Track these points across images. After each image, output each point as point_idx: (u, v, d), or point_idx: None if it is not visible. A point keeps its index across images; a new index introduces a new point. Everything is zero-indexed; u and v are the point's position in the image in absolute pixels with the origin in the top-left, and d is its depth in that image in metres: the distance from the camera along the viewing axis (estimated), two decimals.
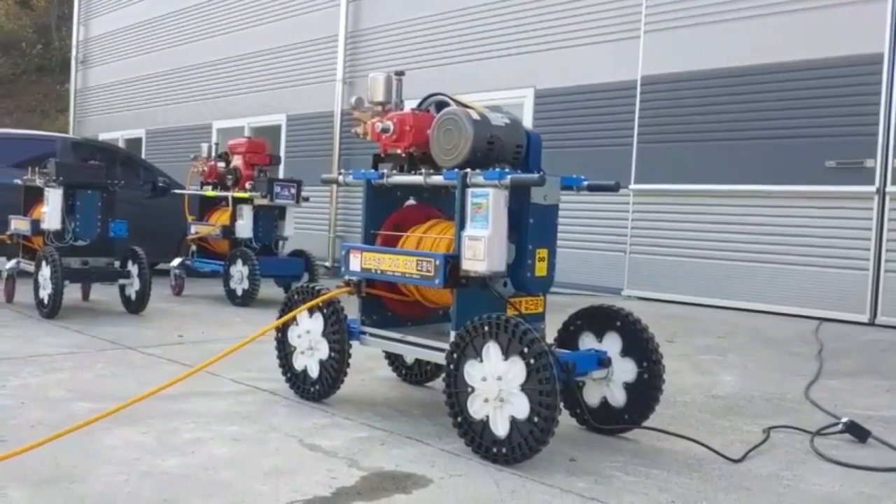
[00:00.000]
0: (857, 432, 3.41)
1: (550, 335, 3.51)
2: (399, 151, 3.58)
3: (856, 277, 6.78)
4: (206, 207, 8.25)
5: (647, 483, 2.82)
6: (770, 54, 7.29)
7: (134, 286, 6.43)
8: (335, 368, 3.66)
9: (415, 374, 4.26)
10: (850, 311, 6.78)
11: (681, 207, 7.94)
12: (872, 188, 6.69)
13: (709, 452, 3.14)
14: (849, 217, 6.84)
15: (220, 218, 7.93)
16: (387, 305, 3.76)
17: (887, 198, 6.65)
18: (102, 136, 16.03)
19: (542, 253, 3.34)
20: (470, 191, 3.20)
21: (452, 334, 3.21)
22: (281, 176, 10.24)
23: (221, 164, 8.12)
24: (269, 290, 7.62)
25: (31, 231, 6.44)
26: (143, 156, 14.28)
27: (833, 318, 6.80)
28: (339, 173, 3.89)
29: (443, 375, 3.18)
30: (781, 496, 2.75)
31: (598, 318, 3.44)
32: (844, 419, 3.50)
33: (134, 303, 6.45)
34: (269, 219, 7.83)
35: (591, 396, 3.44)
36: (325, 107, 11.63)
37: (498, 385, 2.94)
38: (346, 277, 3.65)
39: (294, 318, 3.79)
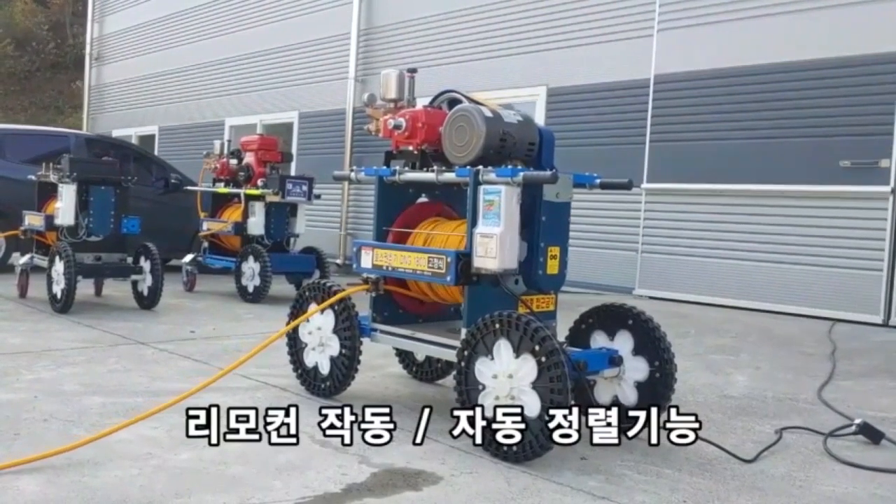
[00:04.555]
0: (871, 433, 3.39)
1: (562, 333, 3.50)
2: (411, 148, 3.58)
3: (870, 278, 6.73)
4: (218, 204, 8.27)
5: (658, 482, 2.80)
6: (784, 53, 7.24)
7: (146, 282, 6.45)
8: (346, 365, 3.66)
9: (425, 371, 4.26)
10: (864, 311, 6.72)
11: (693, 207, 7.90)
12: (887, 188, 6.63)
13: (721, 452, 3.13)
14: (863, 217, 6.79)
15: (233, 215, 7.95)
16: (398, 302, 3.76)
17: None
18: (116, 133, 16.08)
19: (554, 251, 3.33)
20: (482, 188, 3.20)
21: (463, 331, 3.21)
22: (293, 173, 10.26)
23: (234, 161, 8.13)
24: (281, 286, 7.64)
25: (44, 227, 6.48)
26: (156, 152, 14.34)
27: (846, 318, 6.74)
28: (352, 170, 3.90)
29: (453, 373, 3.17)
30: (794, 497, 2.73)
31: (610, 317, 3.43)
32: (858, 420, 3.48)
33: (146, 298, 6.48)
34: (280, 216, 7.84)
35: (603, 395, 3.43)
36: (337, 104, 11.64)
37: (509, 383, 2.94)
38: (364, 275, 3.65)
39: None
